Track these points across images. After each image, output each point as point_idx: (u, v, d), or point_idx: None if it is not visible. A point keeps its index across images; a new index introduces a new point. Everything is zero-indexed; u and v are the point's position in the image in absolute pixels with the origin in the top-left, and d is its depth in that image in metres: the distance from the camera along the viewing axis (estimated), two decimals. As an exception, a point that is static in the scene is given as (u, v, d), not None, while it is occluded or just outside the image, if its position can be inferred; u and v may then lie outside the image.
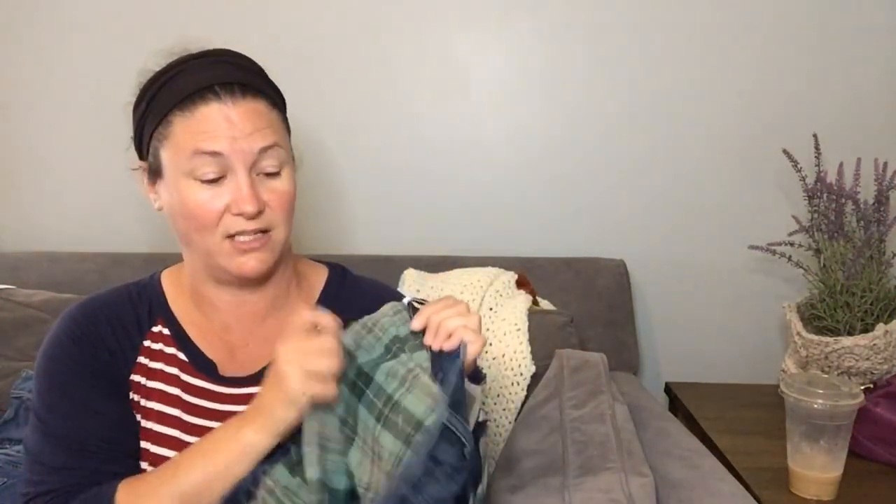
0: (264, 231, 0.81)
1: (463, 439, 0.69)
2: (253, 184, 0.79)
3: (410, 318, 0.78)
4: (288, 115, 0.89)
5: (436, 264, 1.45)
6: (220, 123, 0.77)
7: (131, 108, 0.85)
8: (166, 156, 0.80)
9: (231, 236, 0.80)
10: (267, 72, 0.86)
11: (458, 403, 0.71)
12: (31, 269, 1.51)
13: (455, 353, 0.74)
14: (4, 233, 1.65)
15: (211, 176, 0.78)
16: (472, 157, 1.58)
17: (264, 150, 0.79)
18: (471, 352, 0.74)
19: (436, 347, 0.75)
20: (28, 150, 1.62)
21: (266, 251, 0.82)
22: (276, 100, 0.84)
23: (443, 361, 0.74)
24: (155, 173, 0.83)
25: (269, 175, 0.81)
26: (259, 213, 0.79)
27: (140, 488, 0.74)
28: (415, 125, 1.58)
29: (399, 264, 1.45)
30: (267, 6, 1.54)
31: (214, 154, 0.77)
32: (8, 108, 1.61)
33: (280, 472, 0.72)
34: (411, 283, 1.37)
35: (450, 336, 0.74)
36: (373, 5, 1.54)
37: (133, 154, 0.88)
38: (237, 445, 0.72)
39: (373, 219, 1.61)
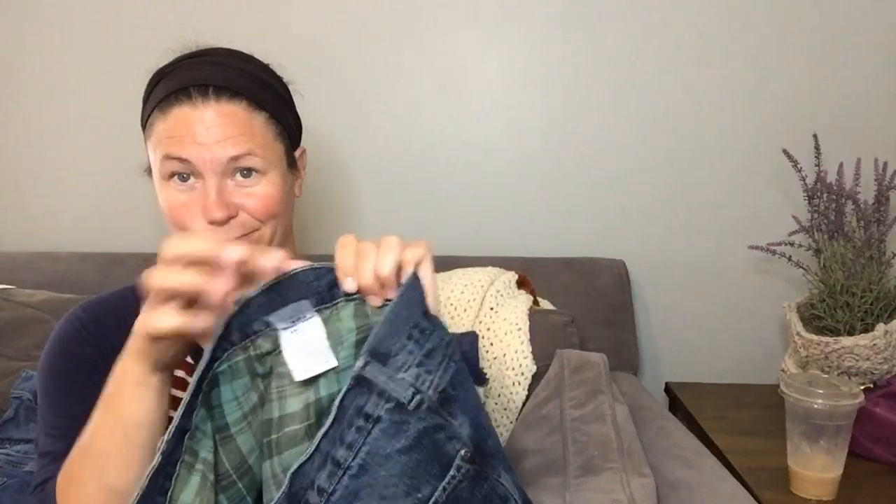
0: (243, 234, 0.80)
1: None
2: (223, 191, 0.77)
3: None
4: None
5: (436, 264, 1.44)
6: (190, 128, 0.76)
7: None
8: (150, 154, 0.81)
9: None
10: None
11: (433, 349, 0.60)
12: (31, 269, 1.51)
13: (407, 288, 0.61)
14: (4, 233, 1.65)
15: (183, 175, 0.77)
16: (473, 157, 1.58)
17: (235, 158, 0.77)
18: (425, 277, 0.63)
19: (378, 303, 0.62)
20: (28, 150, 1.62)
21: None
22: (263, 100, 0.81)
23: (395, 306, 0.61)
24: (149, 171, 0.84)
25: (247, 179, 0.79)
26: (229, 219, 0.78)
27: (66, 462, 0.69)
28: (414, 125, 1.58)
29: (399, 264, 1.45)
30: (267, 7, 1.54)
31: (182, 160, 0.77)
32: (9, 108, 1.61)
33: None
34: (411, 283, 1.37)
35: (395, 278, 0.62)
36: (372, 5, 1.54)
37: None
38: (122, 379, 0.64)
39: (372, 219, 1.61)
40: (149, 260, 0.61)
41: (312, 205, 1.59)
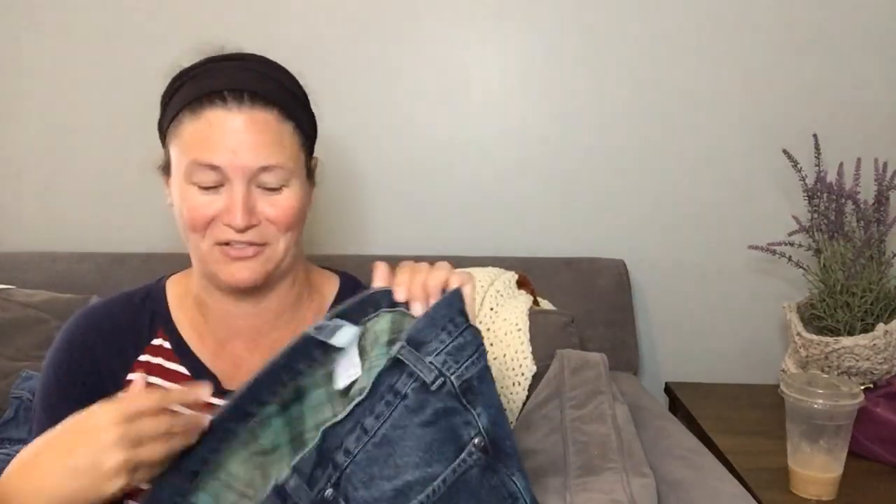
0: (259, 244, 0.80)
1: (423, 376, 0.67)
2: (248, 197, 0.77)
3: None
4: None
5: (436, 264, 1.45)
6: (223, 132, 0.76)
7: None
8: (174, 153, 0.80)
9: (222, 243, 0.79)
10: None
11: (462, 346, 0.68)
12: (31, 269, 1.51)
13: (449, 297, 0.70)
14: (4, 233, 1.65)
15: (209, 184, 0.77)
16: (472, 157, 1.58)
17: (265, 168, 0.77)
18: (467, 292, 0.71)
19: (421, 311, 0.71)
20: (29, 151, 1.62)
21: (258, 262, 0.80)
22: (292, 110, 0.81)
23: (436, 310, 0.70)
24: (167, 169, 0.83)
25: (271, 189, 0.79)
26: (249, 228, 0.78)
27: None
28: (414, 125, 1.58)
29: (399, 264, 1.45)
30: (267, 8, 1.54)
31: (213, 167, 0.76)
32: (9, 108, 1.61)
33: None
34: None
35: (439, 290, 0.71)
36: (372, 5, 1.54)
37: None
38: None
39: (373, 219, 1.61)
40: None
41: (313, 205, 1.59)
